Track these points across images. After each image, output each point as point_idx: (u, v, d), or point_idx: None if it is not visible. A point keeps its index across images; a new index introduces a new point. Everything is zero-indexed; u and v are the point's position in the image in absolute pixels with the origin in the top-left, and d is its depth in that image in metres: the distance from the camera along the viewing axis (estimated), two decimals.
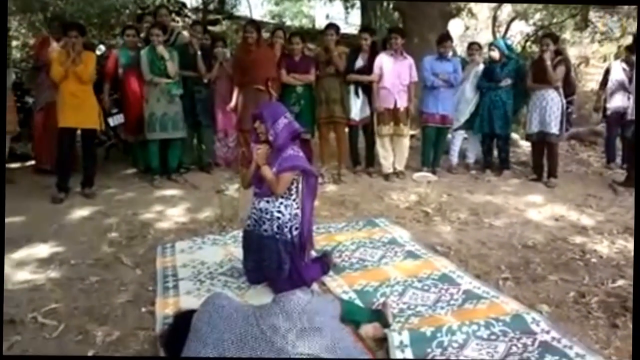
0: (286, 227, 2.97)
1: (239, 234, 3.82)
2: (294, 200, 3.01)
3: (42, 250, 3.71)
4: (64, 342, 2.57)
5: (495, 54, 5.81)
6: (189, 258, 3.53)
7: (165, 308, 2.84)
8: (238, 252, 3.40)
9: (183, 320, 2.35)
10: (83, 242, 3.86)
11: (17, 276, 3.27)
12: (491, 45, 6.14)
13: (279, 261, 2.96)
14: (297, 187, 3.02)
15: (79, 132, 4.99)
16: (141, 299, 3.01)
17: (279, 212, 2.97)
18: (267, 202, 2.99)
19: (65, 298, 3.00)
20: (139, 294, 3.07)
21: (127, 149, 6.35)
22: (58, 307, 2.88)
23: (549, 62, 5.37)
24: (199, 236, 3.96)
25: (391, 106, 5.61)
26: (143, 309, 2.89)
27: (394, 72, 5.58)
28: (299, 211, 3.03)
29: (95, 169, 5.17)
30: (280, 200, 2.97)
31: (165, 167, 5.53)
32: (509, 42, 8.39)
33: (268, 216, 2.98)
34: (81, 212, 4.54)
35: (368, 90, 5.68)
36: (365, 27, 6.24)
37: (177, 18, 5.94)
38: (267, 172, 2.94)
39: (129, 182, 5.54)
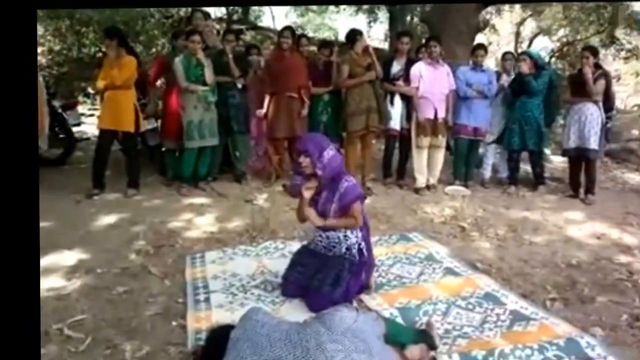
0: (354, 247, 3.01)
1: (271, 245, 3.76)
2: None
3: (68, 257, 3.59)
4: (92, 356, 2.44)
5: (526, 65, 5.40)
6: (220, 269, 3.39)
7: (198, 322, 2.70)
8: (271, 264, 3.29)
9: (218, 336, 2.20)
10: (110, 250, 3.74)
11: (42, 284, 3.14)
12: (521, 54, 5.76)
13: (337, 277, 2.91)
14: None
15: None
16: (171, 311, 2.88)
17: (346, 236, 3.01)
18: (334, 230, 3.01)
19: (91, 309, 2.88)
20: (168, 306, 2.94)
21: (152, 155, 6.25)
22: (85, 319, 2.76)
23: (589, 76, 5.16)
24: (229, 246, 3.81)
25: (432, 116, 5.41)
26: (173, 323, 2.75)
27: (433, 80, 5.39)
28: (363, 232, 3.07)
29: (138, 172, 5.30)
30: None
31: (195, 175, 5.40)
32: (542, 53, 8.11)
33: (337, 240, 3.02)
34: (107, 219, 4.43)
35: (406, 98, 5.50)
36: (404, 32, 6.12)
37: (212, 23, 5.81)
38: (312, 214, 2.97)
39: (155, 189, 5.43)
